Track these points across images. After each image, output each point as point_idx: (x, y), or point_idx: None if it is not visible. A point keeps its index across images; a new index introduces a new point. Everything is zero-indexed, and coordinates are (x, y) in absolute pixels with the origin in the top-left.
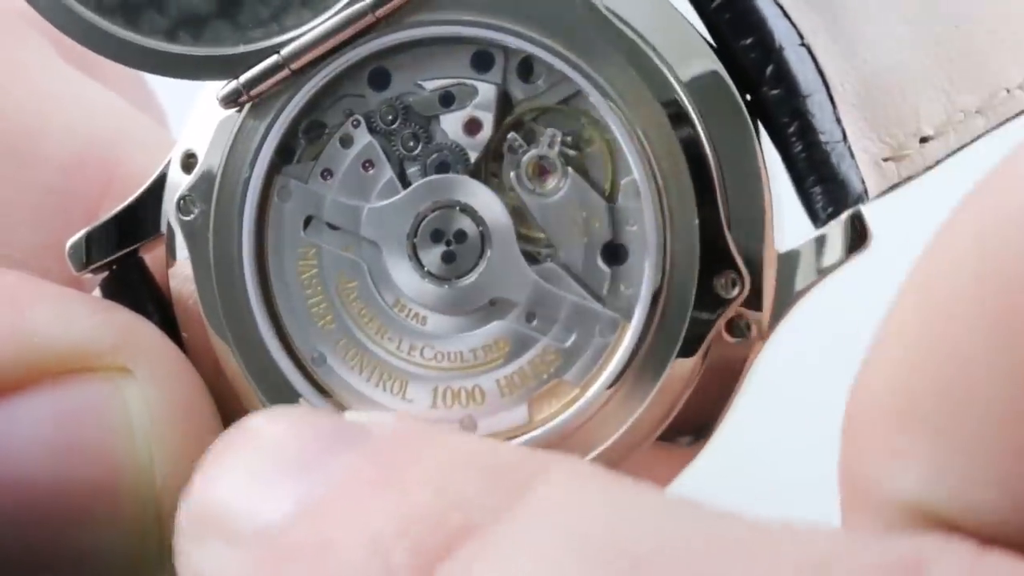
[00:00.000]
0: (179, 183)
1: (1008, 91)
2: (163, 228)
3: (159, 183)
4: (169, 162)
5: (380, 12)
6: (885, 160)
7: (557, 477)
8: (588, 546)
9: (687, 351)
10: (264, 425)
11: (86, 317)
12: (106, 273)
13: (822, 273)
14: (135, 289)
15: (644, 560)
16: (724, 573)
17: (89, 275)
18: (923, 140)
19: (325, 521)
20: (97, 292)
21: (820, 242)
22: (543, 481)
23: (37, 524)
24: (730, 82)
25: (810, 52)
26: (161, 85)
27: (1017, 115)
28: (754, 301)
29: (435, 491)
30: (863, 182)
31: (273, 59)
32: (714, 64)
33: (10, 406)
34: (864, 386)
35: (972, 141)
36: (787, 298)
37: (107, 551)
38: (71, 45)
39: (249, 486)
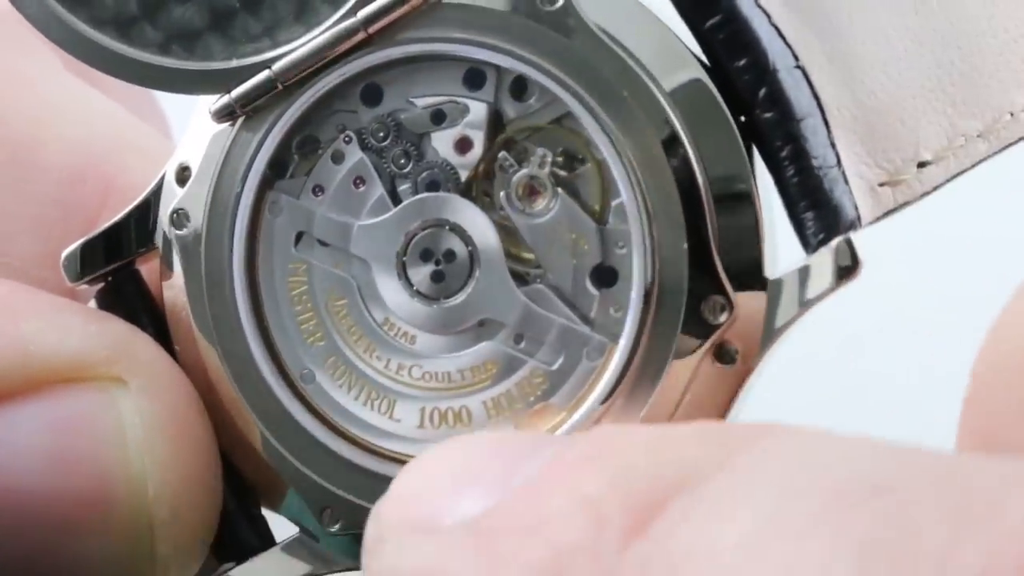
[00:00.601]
0: (173, 196)
1: (1012, 115)
2: (158, 241)
3: (154, 195)
4: (164, 175)
5: (372, 28)
6: (881, 185)
7: (778, 435)
8: (823, 478)
9: (675, 375)
10: (462, 438)
11: (80, 327)
12: (102, 284)
13: (809, 302)
14: (130, 300)
15: (885, 487)
16: (964, 494)
17: (84, 286)
18: (921, 165)
19: (535, 497)
20: (92, 303)
21: (809, 270)
22: (764, 437)
23: (29, 532)
24: (723, 104)
25: (805, 75)
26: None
27: (1020, 140)
28: (744, 327)
29: (647, 452)
30: (856, 208)
31: (265, 74)
32: (708, 86)
33: (4, 415)
34: (995, 347)
35: (972, 166)
36: (776, 325)
37: (99, 560)
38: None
39: (455, 480)
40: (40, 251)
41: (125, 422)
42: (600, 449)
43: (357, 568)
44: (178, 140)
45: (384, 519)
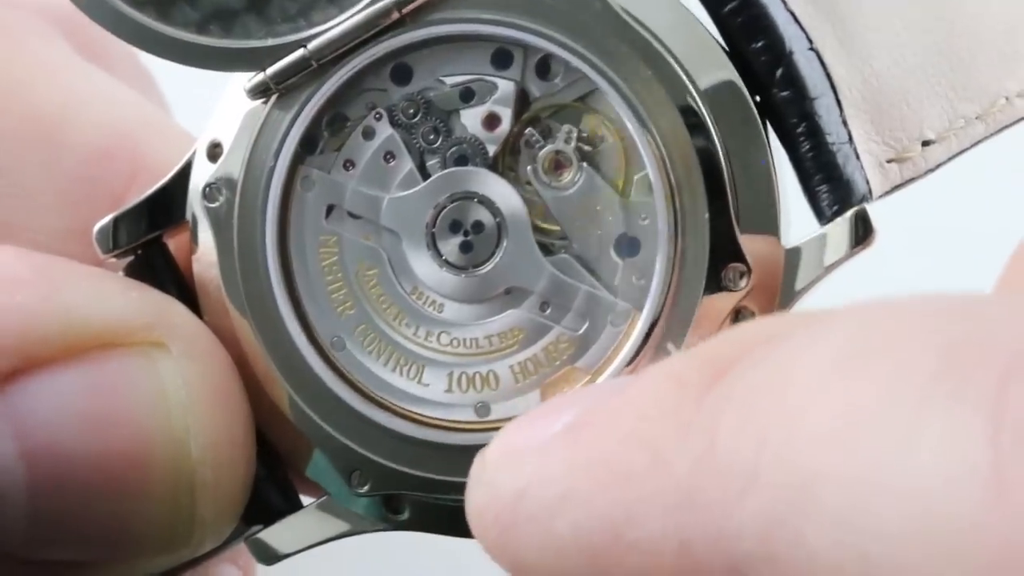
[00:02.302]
0: (205, 172)
1: (1007, 99)
2: (188, 216)
3: (185, 171)
4: (195, 151)
5: (405, 10)
6: (888, 162)
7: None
8: (896, 311)
9: (697, 340)
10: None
11: (120, 294)
12: (131, 258)
13: (827, 268)
14: (159, 273)
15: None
16: None
17: (113, 259)
18: (925, 144)
19: (621, 392)
20: (121, 276)
21: (825, 238)
22: (829, 313)
23: (70, 493)
24: (741, 83)
25: (819, 56)
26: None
27: (1015, 122)
28: (761, 293)
29: (721, 338)
30: (867, 182)
31: (300, 53)
32: (727, 67)
33: (47, 378)
34: None
35: (972, 146)
36: (793, 290)
37: (141, 522)
38: (84, 42)
39: (547, 411)
40: (67, 227)
41: (167, 385)
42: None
43: (384, 529)
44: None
45: (489, 455)
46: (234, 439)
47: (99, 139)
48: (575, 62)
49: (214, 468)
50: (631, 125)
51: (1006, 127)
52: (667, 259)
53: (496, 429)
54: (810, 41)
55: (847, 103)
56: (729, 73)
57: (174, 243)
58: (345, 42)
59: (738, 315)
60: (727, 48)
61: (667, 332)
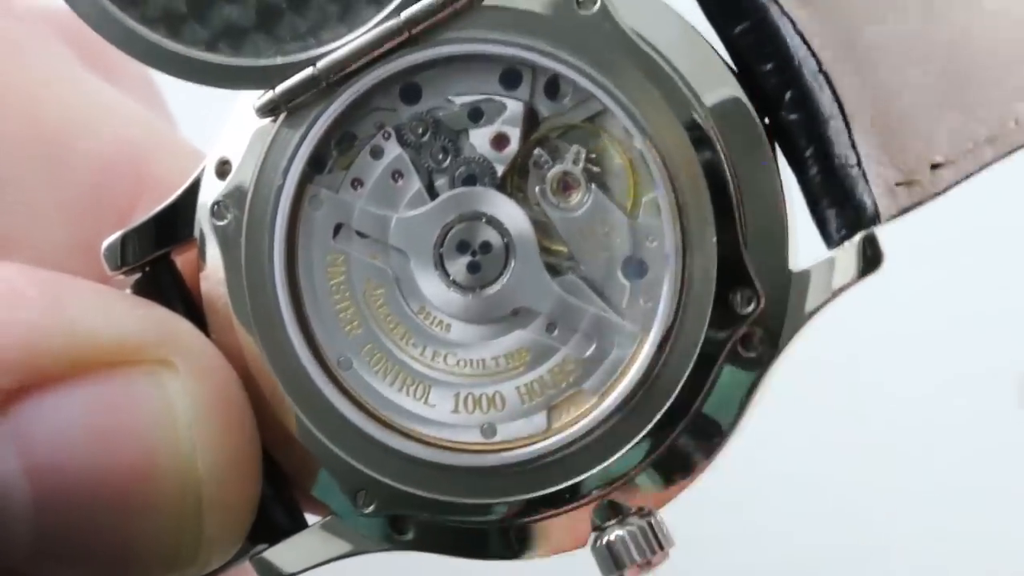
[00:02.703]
0: (213, 189)
1: (1016, 122)
2: (196, 233)
3: (193, 189)
4: (204, 169)
5: (414, 30)
6: (897, 185)
7: None
8: None
9: (703, 364)
10: None
11: (128, 312)
12: (138, 275)
13: (835, 293)
14: (166, 291)
15: None
16: None
17: (121, 276)
18: (934, 167)
19: None
20: (128, 292)
21: (834, 262)
22: None
23: (76, 510)
24: (750, 106)
25: (828, 79)
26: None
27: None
28: (769, 318)
29: None
30: (876, 205)
31: (309, 71)
32: (736, 89)
33: (52, 396)
34: None
35: (980, 169)
36: (801, 315)
37: (148, 538)
38: (92, 54)
39: None
40: (71, 241)
41: (174, 403)
42: None
43: (389, 549)
44: (184, 135)
45: None
46: (241, 457)
47: (104, 153)
48: (583, 82)
49: (221, 486)
50: (639, 146)
51: (1016, 150)
52: (674, 282)
53: (502, 451)
54: (820, 64)
55: (856, 126)
56: (737, 95)
57: (182, 260)
58: (354, 61)
59: (746, 340)
60: (737, 70)
61: (673, 355)
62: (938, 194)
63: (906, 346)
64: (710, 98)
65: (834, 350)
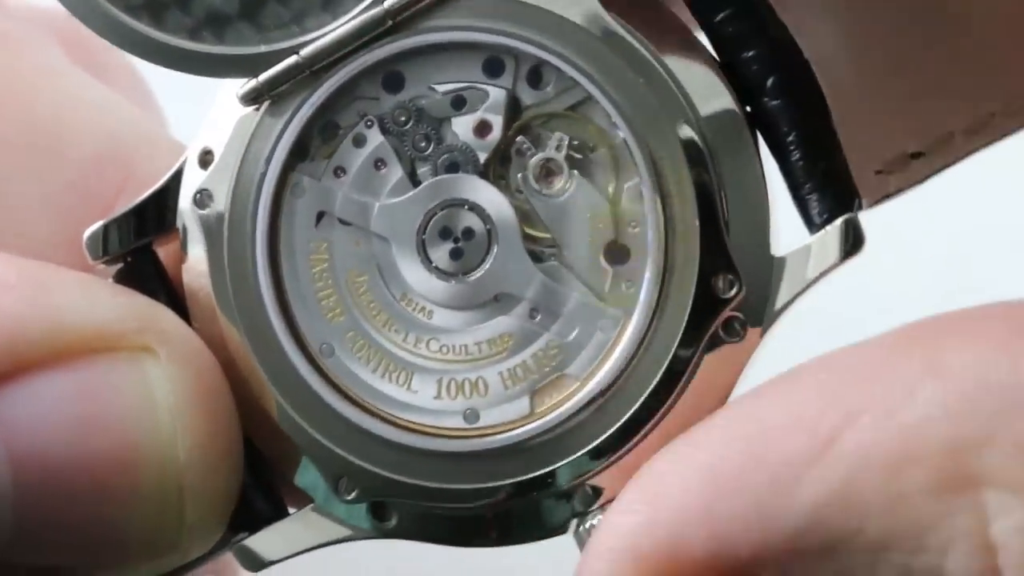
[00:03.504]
0: (195, 179)
1: (993, 115)
2: (178, 224)
3: (176, 179)
4: (186, 159)
5: (397, 18)
6: (878, 172)
7: None
8: None
9: (685, 348)
10: None
11: (108, 299)
12: (120, 264)
13: (818, 276)
14: (148, 281)
15: None
16: None
17: (102, 266)
18: (914, 156)
19: None
20: (110, 282)
21: (815, 246)
22: None
23: (57, 497)
24: (731, 92)
25: (810, 66)
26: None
27: (999, 138)
28: (751, 303)
29: None
30: (857, 191)
31: (292, 59)
32: (716, 75)
33: (34, 383)
34: None
35: (959, 159)
36: (783, 299)
37: (130, 525)
38: (81, 53)
39: None
40: (58, 234)
41: (155, 390)
42: None
43: (371, 537)
44: (176, 134)
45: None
46: (222, 444)
47: (92, 148)
48: (566, 69)
49: (202, 472)
50: (622, 132)
51: (991, 143)
52: (656, 267)
53: (484, 436)
54: (801, 51)
55: (837, 113)
56: (719, 81)
57: (164, 251)
58: (338, 49)
59: (728, 325)
60: (718, 57)
61: (655, 341)
62: (918, 182)
63: None
64: (690, 86)
65: (821, 337)
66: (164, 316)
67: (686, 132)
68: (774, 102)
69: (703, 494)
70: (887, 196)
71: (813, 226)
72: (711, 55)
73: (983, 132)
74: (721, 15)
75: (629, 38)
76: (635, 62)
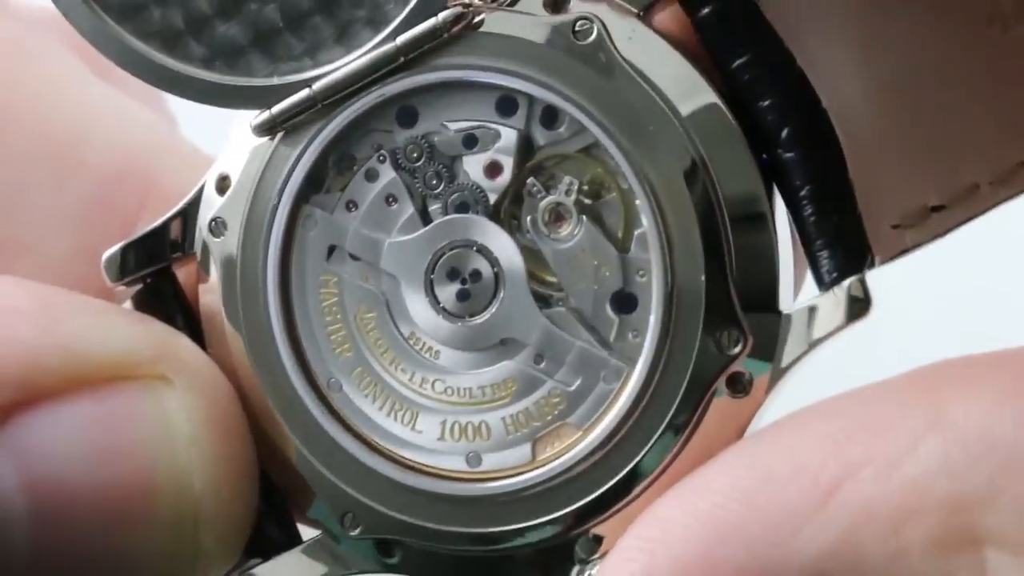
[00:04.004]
0: (212, 204)
1: (1022, 164)
2: (196, 247)
3: (194, 202)
4: (204, 183)
5: (410, 54)
6: (895, 227)
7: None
8: None
9: (688, 402)
10: None
11: (124, 327)
12: (139, 286)
13: (821, 338)
14: (166, 303)
15: None
16: None
17: (122, 287)
18: (935, 209)
19: None
20: (129, 304)
21: (822, 307)
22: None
23: (73, 526)
24: (745, 144)
25: (826, 117)
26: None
27: None
28: (758, 358)
29: None
30: (870, 248)
31: (305, 92)
32: (732, 126)
33: (50, 411)
34: None
35: (982, 212)
36: (789, 358)
37: (145, 554)
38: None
39: None
40: (79, 249)
41: (171, 418)
42: None
43: (373, 571)
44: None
45: None
46: (238, 472)
47: (112, 160)
48: (575, 113)
49: (217, 501)
50: (629, 179)
51: (1018, 194)
52: (661, 319)
53: (486, 481)
54: (818, 101)
55: (853, 166)
56: (734, 132)
57: (182, 273)
58: (350, 84)
59: (733, 380)
60: (734, 105)
61: (658, 395)
62: (938, 236)
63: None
64: (704, 135)
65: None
66: (181, 344)
67: (695, 181)
68: (788, 154)
69: (702, 542)
70: (903, 252)
71: (823, 284)
72: (726, 101)
73: (1011, 183)
74: (739, 61)
75: (640, 82)
76: (646, 107)
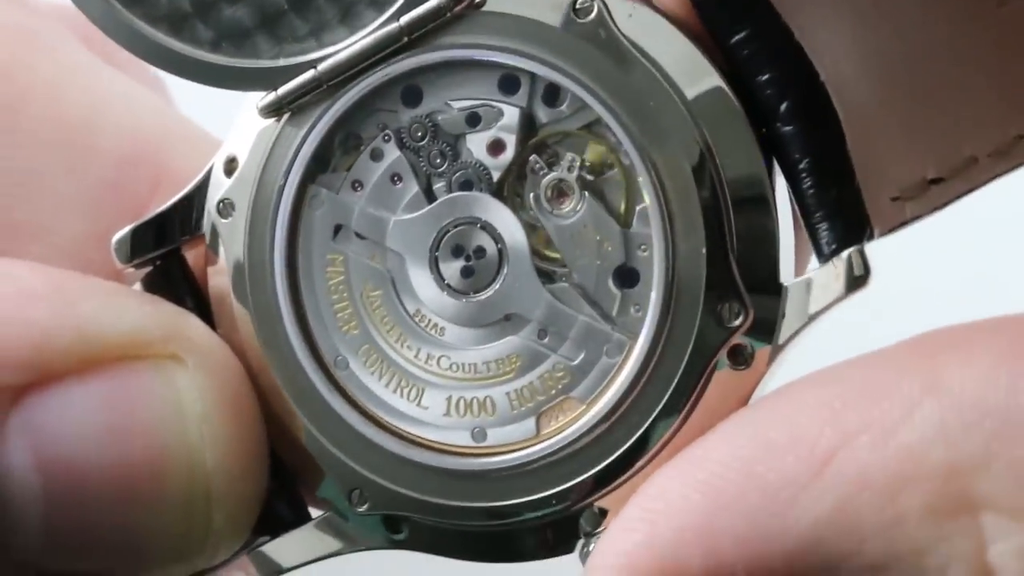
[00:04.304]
0: (220, 186)
1: (1020, 138)
2: (205, 228)
3: (203, 185)
4: (212, 165)
5: (413, 35)
6: (894, 199)
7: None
8: None
9: (690, 374)
10: None
11: (135, 308)
12: (149, 268)
13: (822, 309)
14: (176, 285)
15: None
16: None
17: (131, 269)
18: (933, 182)
19: None
20: (138, 287)
21: (822, 277)
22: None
23: (87, 504)
24: (745, 117)
25: (825, 91)
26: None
27: None
28: (759, 330)
29: None
30: (869, 220)
31: (310, 73)
32: (731, 101)
33: (63, 391)
34: None
35: (981, 185)
36: (789, 329)
37: (154, 530)
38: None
39: None
40: (91, 232)
41: (183, 397)
42: None
43: (381, 547)
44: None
45: None
46: (248, 450)
47: (124, 145)
48: (577, 91)
49: (229, 478)
50: (631, 155)
51: (1017, 166)
52: (663, 292)
53: (491, 455)
54: (817, 75)
55: (852, 138)
56: (733, 106)
57: (192, 254)
58: (355, 64)
59: (735, 353)
60: (733, 79)
61: (661, 367)
62: (936, 208)
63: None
64: (703, 110)
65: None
66: (191, 324)
67: (696, 156)
68: (787, 127)
69: (701, 512)
70: (903, 224)
71: (822, 256)
72: (726, 77)
73: (1009, 156)
74: (738, 36)
75: (641, 58)
76: (646, 83)
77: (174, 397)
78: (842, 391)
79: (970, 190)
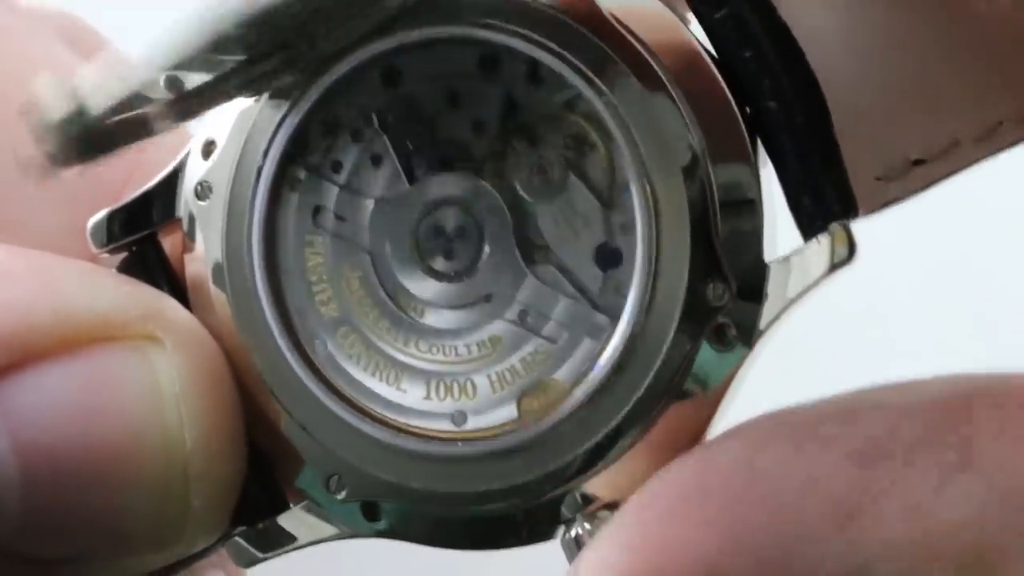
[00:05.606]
0: (198, 169)
1: (1002, 123)
2: (182, 212)
3: (179, 169)
4: (190, 149)
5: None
6: (877, 179)
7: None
8: None
9: (674, 355)
10: None
11: (112, 288)
12: (124, 254)
13: (808, 285)
14: (152, 270)
15: None
16: None
17: (107, 255)
18: (916, 163)
19: None
20: (114, 271)
21: (807, 254)
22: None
23: (64, 486)
24: (728, 94)
25: (809, 68)
26: None
27: (1008, 147)
28: (742, 310)
29: None
30: (854, 198)
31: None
32: (714, 76)
33: (40, 372)
34: None
35: (964, 168)
36: (774, 308)
37: (133, 513)
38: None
39: None
40: (64, 223)
41: (160, 378)
42: None
43: (360, 535)
44: None
45: None
46: (226, 432)
47: None
48: (560, 68)
49: (207, 459)
50: (614, 133)
51: (1001, 150)
52: (645, 272)
53: (471, 439)
54: (801, 52)
55: (837, 116)
56: (716, 82)
57: (168, 240)
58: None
59: (719, 333)
60: (716, 57)
61: (644, 348)
62: (920, 190)
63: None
64: (687, 85)
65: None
66: (168, 305)
67: (679, 133)
68: (771, 104)
69: (708, 553)
70: (887, 204)
71: (807, 233)
72: (710, 53)
73: (991, 140)
74: (719, 13)
75: (623, 32)
76: (628, 58)
77: (151, 377)
78: (868, 438)
79: (952, 172)
